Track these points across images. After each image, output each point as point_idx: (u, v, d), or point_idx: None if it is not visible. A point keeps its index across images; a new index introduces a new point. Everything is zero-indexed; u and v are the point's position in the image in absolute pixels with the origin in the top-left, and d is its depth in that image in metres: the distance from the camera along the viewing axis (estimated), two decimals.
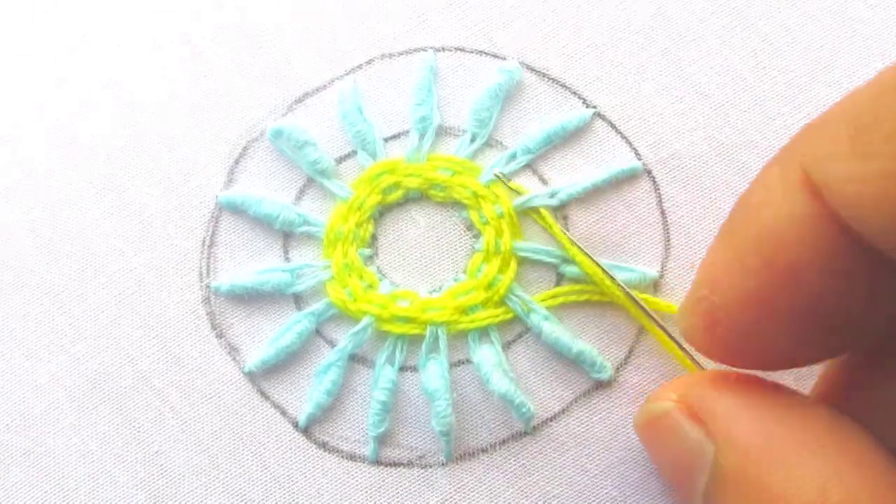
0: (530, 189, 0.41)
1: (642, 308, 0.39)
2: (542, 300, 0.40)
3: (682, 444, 0.33)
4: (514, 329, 0.41)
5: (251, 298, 0.41)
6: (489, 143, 0.42)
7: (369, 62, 0.43)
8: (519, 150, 0.42)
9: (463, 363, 0.40)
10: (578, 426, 0.40)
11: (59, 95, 0.42)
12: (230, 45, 0.42)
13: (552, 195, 0.41)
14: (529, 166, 0.42)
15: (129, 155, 0.42)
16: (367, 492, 0.39)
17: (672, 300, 0.40)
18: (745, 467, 0.31)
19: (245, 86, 0.42)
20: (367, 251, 0.42)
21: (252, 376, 0.40)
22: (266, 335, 0.41)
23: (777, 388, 0.34)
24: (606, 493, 0.39)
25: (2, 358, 0.41)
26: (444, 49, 0.43)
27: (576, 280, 0.41)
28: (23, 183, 0.42)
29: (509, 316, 0.40)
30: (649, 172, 0.42)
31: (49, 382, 0.40)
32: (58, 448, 0.40)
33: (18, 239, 0.42)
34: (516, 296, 0.40)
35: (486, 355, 0.40)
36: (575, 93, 0.42)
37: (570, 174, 0.42)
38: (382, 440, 0.40)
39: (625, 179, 0.41)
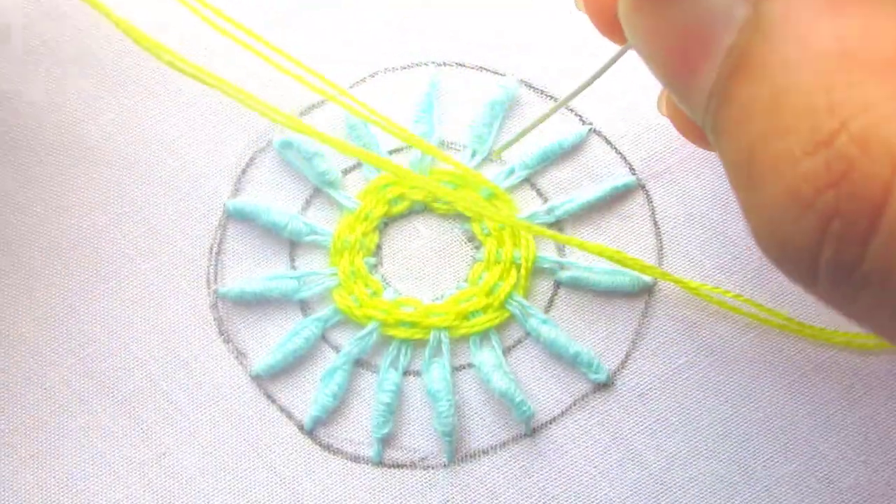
0: (528, 202, 0.43)
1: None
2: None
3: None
4: (514, 335, 0.42)
5: (258, 304, 0.42)
6: (489, 158, 0.43)
7: (373, 75, 0.44)
8: (517, 165, 0.43)
9: (465, 367, 0.41)
10: (577, 429, 0.40)
11: (66, 99, 0.44)
12: (238, 55, 0.43)
13: (549, 212, 0.43)
14: (528, 181, 0.43)
15: (137, 162, 0.43)
16: (370, 492, 0.40)
17: (666, 306, 0.41)
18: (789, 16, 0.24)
19: (252, 96, 0.43)
20: (372, 260, 0.43)
21: (259, 380, 0.41)
22: (272, 340, 0.41)
23: None
24: (605, 494, 0.39)
25: (11, 361, 0.41)
26: (445, 64, 0.44)
27: (574, 286, 0.42)
28: (30, 188, 0.43)
29: (507, 315, 0.41)
30: (643, 186, 0.43)
31: (58, 385, 0.41)
32: (66, 450, 0.40)
33: (27, 244, 0.42)
34: (515, 301, 0.42)
35: (487, 358, 0.41)
36: (572, 110, 0.44)
37: (568, 189, 0.43)
38: (386, 442, 0.40)
39: (619, 194, 0.43)
